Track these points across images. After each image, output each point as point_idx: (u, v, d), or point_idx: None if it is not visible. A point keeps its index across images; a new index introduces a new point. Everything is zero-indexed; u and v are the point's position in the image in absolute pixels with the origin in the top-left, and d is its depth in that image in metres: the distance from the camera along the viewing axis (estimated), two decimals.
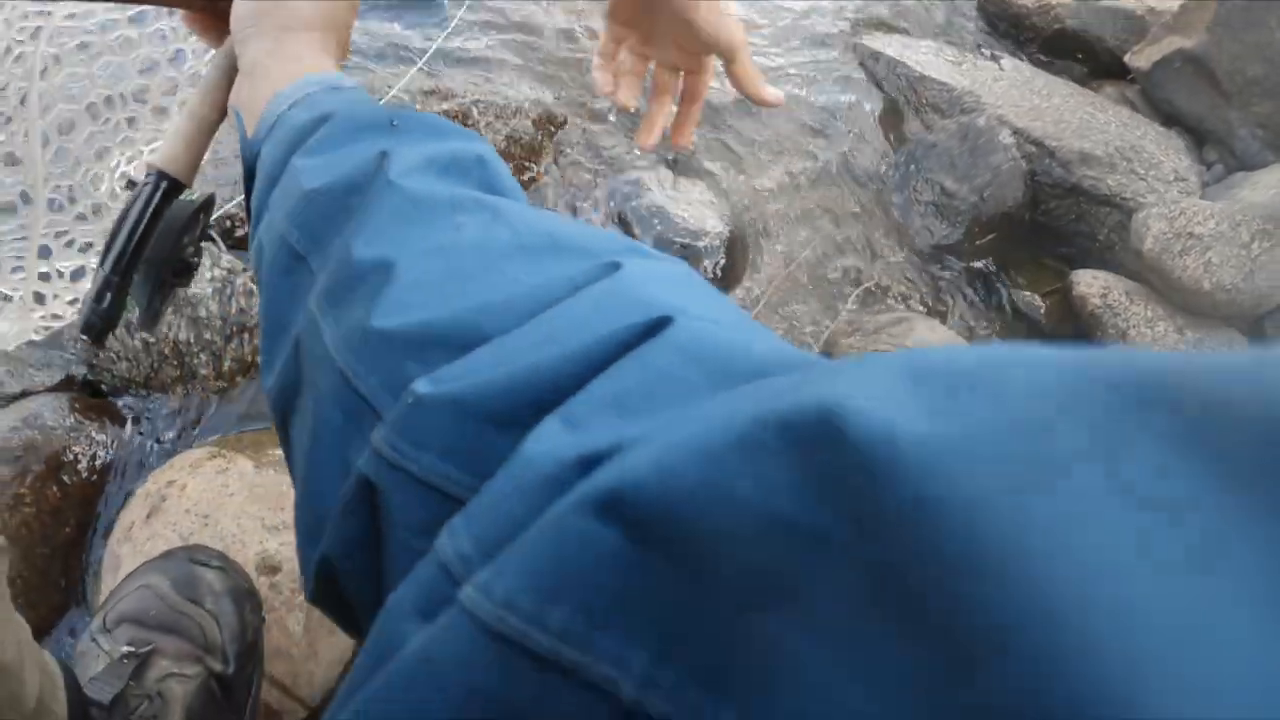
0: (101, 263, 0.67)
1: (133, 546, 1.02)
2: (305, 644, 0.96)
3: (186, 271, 0.73)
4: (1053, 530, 0.15)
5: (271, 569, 0.98)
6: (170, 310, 1.28)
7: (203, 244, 0.76)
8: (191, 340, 1.25)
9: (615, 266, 0.38)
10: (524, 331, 0.35)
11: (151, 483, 1.09)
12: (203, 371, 1.26)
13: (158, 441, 1.20)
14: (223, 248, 1.45)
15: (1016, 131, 1.95)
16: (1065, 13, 2.69)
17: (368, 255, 0.42)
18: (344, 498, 0.37)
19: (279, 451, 1.13)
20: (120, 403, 1.25)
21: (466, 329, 0.37)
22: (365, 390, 0.38)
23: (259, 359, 0.51)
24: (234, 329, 1.27)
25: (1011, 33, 2.68)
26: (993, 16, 2.70)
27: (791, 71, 2.11)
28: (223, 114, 0.71)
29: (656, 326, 0.32)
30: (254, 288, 1.35)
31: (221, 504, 1.02)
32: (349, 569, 0.38)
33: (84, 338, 0.68)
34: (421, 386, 0.34)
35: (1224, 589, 0.14)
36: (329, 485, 0.39)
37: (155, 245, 0.68)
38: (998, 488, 0.16)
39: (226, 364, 1.27)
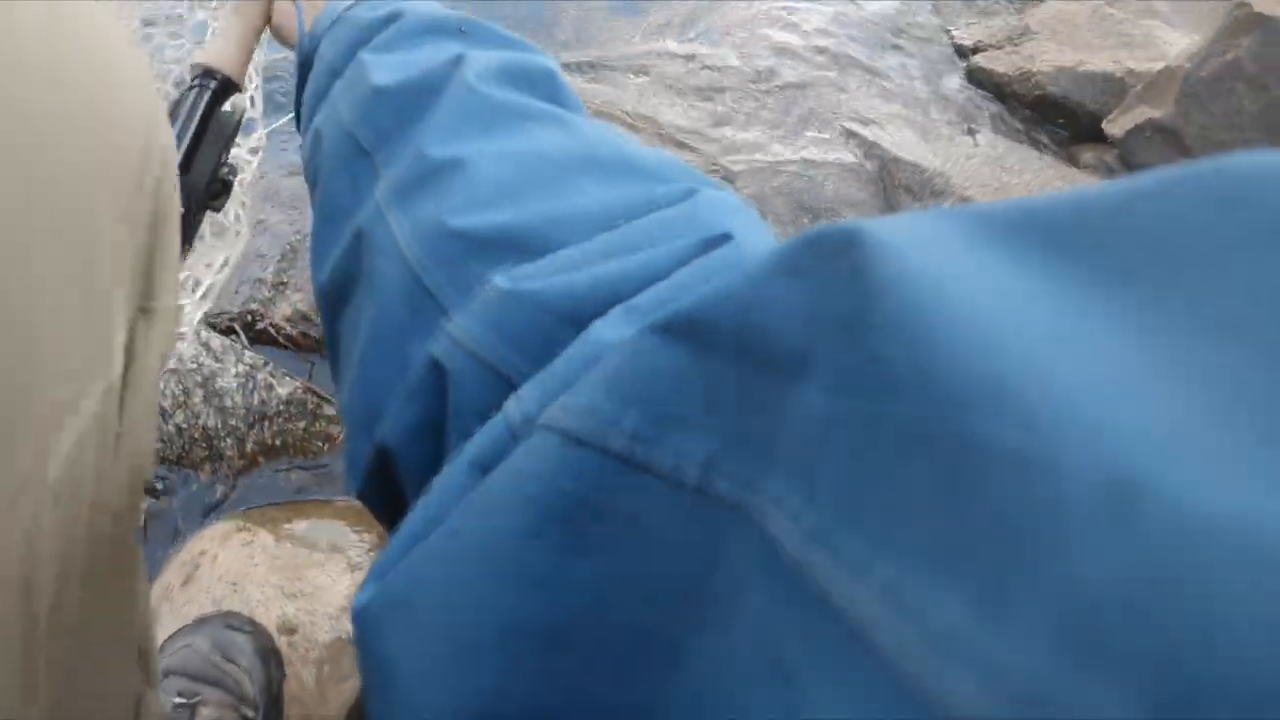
0: None
1: (171, 607, 1.25)
2: (316, 692, 1.19)
3: (224, 191, 0.69)
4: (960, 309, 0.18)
5: (290, 630, 1.21)
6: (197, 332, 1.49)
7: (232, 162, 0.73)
8: (219, 426, 1.48)
9: (690, 193, 0.40)
10: (605, 240, 0.37)
11: (186, 551, 1.32)
12: (228, 453, 1.48)
13: (189, 513, 1.44)
14: (245, 343, 1.68)
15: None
16: (1045, 79, 2.86)
17: (441, 154, 0.43)
18: (409, 383, 0.38)
19: (295, 526, 1.35)
20: (156, 477, 1.48)
21: (539, 235, 0.39)
22: (432, 284, 0.40)
23: (309, 251, 0.52)
24: (256, 417, 1.50)
25: (996, 100, 2.85)
26: (979, 85, 2.88)
27: (786, 156, 2.31)
28: (266, 17, 0.69)
29: (718, 242, 0.35)
30: (273, 381, 1.55)
31: (247, 573, 1.25)
32: (409, 455, 0.39)
33: None
34: (503, 281, 0.36)
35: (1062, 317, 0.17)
36: (386, 374, 0.41)
37: (204, 154, 0.65)
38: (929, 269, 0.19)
39: (249, 447, 1.49)
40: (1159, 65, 2.91)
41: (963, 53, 3.01)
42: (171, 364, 1.50)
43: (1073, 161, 2.74)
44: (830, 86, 2.60)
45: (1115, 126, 2.62)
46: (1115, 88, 2.88)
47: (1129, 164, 2.64)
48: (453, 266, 0.39)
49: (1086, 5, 3.29)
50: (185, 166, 0.62)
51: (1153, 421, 0.15)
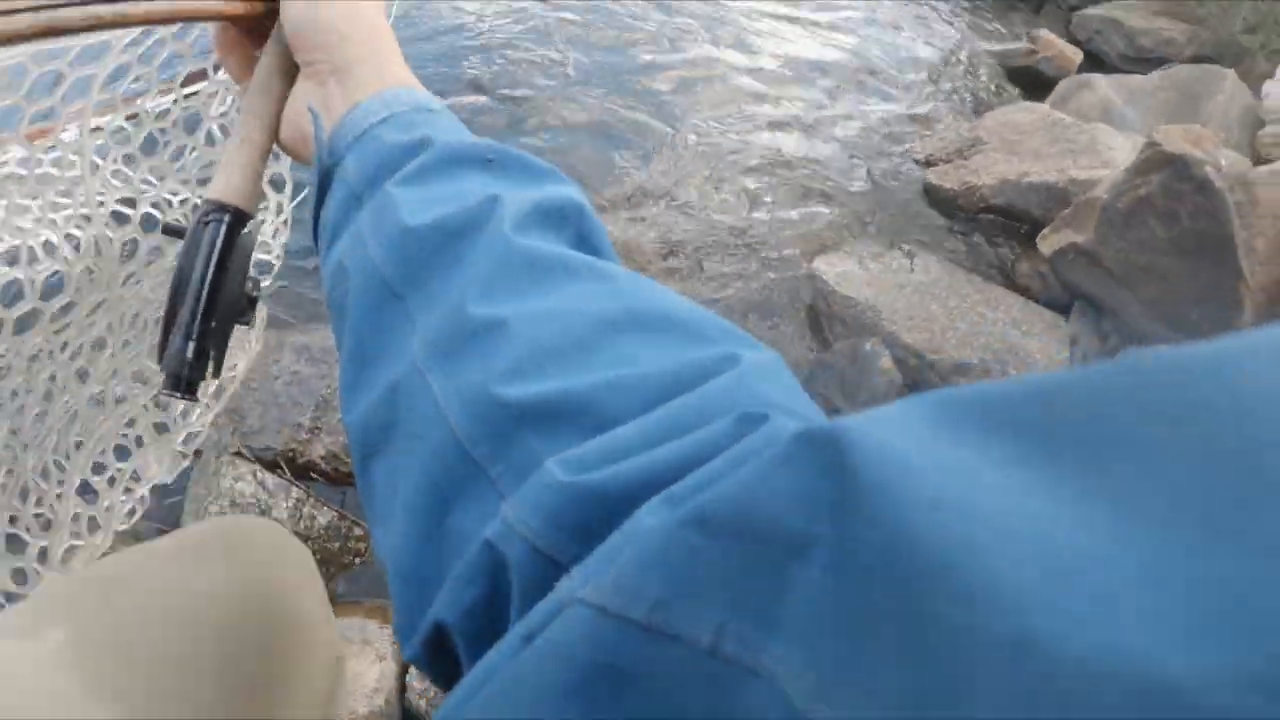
0: (173, 309, 0.63)
1: None
2: None
3: (251, 307, 0.70)
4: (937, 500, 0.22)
5: None
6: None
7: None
8: None
9: (735, 360, 0.41)
10: (658, 420, 0.38)
11: None
12: None
13: None
14: (290, 477, 2.00)
15: (904, 347, 2.44)
16: (990, 193, 3.15)
17: (482, 312, 0.44)
18: (466, 566, 0.39)
19: None
20: None
21: (589, 407, 0.39)
22: (480, 457, 0.40)
23: (340, 387, 0.51)
24: (302, 539, 1.62)
25: (945, 215, 3.13)
26: (929, 200, 3.16)
27: (734, 285, 2.62)
28: (273, 137, 0.70)
29: (757, 422, 0.36)
30: (315, 512, 1.85)
31: None
32: (466, 630, 0.40)
33: (174, 394, 0.63)
34: (561, 472, 0.37)
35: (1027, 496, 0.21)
36: (435, 550, 0.42)
37: (230, 285, 0.66)
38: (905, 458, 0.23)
39: None
40: (1101, 173, 3.20)
41: (918, 165, 3.29)
42: (234, 499, 1.85)
43: (1011, 275, 3.04)
44: (784, 212, 2.90)
45: (1046, 245, 2.90)
46: (1058, 196, 3.16)
47: (1059, 279, 2.92)
48: (501, 439, 0.40)
49: (1036, 112, 3.57)
50: (211, 303, 0.63)
51: (1074, 588, 0.18)
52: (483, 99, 3.08)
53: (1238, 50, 5.50)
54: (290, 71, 0.70)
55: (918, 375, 2.44)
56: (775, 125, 3.29)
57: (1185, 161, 2.64)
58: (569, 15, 3.63)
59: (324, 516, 1.90)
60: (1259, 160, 4.12)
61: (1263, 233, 2.75)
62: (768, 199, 2.93)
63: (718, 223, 2.80)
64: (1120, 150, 3.38)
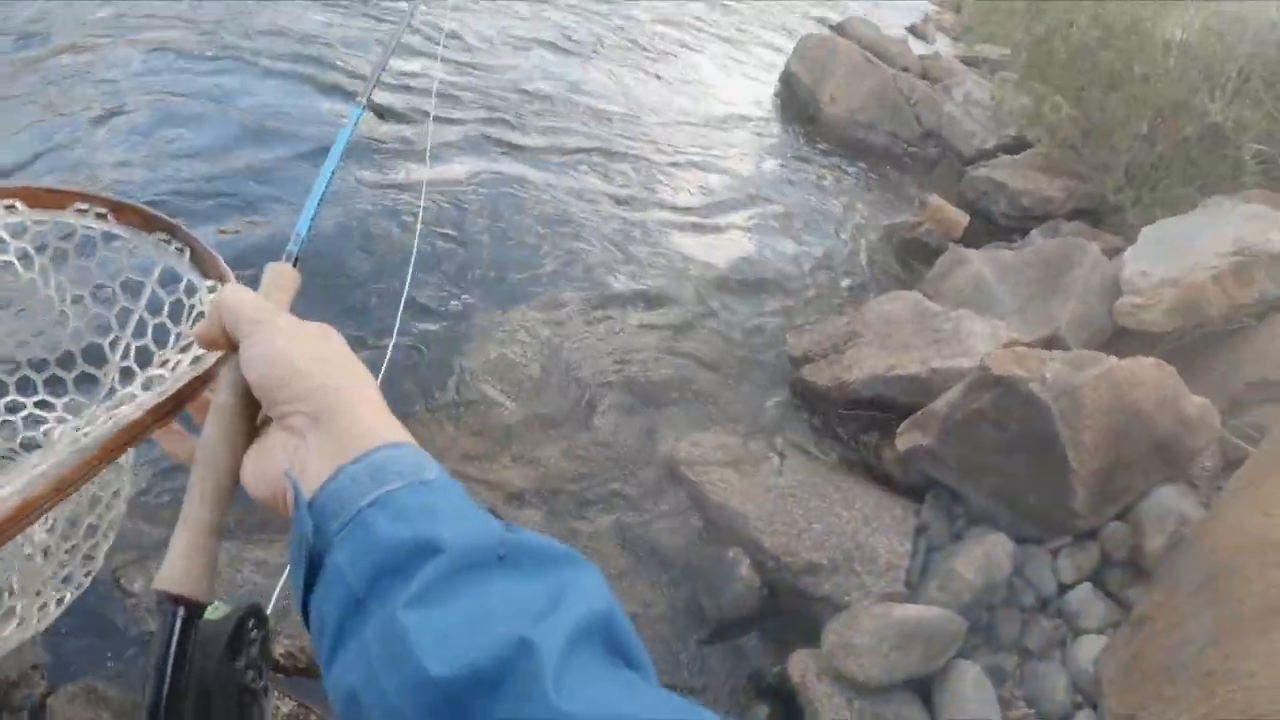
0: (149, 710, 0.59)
1: None
2: None
3: (254, 702, 0.66)
4: None
5: None
6: None
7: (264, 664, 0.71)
8: None
9: None
10: None
11: None
12: None
13: None
14: None
15: (764, 551, 2.85)
16: (859, 386, 3.59)
17: None
18: None
19: None
20: None
21: None
22: None
23: None
24: None
25: (818, 411, 3.57)
26: (804, 397, 3.60)
27: (616, 500, 3.02)
28: (223, 510, 0.65)
29: None
30: (279, 703, 2.15)
31: None
32: None
33: None
34: None
35: None
36: None
37: (199, 680, 0.61)
38: None
39: None
40: (962, 361, 3.66)
41: (794, 363, 3.73)
42: None
43: (877, 461, 3.49)
44: (666, 418, 3.31)
45: (900, 442, 3.34)
46: (922, 387, 3.62)
47: (917, 470, 3.37)
48: None
49: (909, 301, 4.04)
50: (173, 705, 0.59)
51: None
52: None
53: (1111, 205, 6.07)
54: (249, 418, 0.67)
55: (775, 577, 2.85)
56: (652, 327, 3.69)
57: (1012, 382, 3.11)
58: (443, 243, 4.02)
59: (286, 706, 2.22)
60: (1117, 328, 4.64)
61: (1090, 428, 3.20)
62: (647, 405, 3.33)
63: (596, 432, 3.19)
64: (980, 337, 3.85)
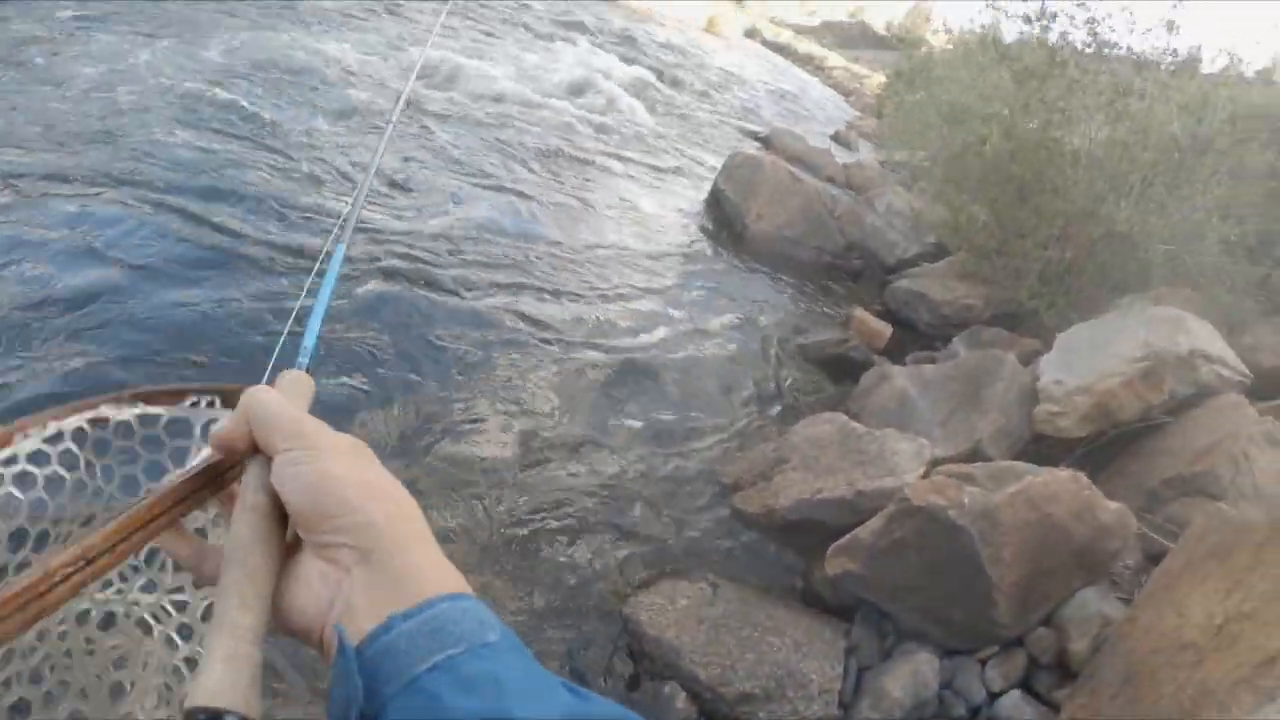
0: None
1: None
2: None
3: None
4: None
5: None
6: None
7: None
8: None
9: None
10: None
11: None
12: None
13: None
14: None
15: (699, 683, 2.94)
16: (788, 512, 3.72)
17: None
18: None
19: None
20: None
21: None
22: None
23: None
24: None
25: (749, 534, 3.69)
26: (735, 524, 3.73)
27: (552, 629, 3.10)
28: (265, 616, 0.58)
29: None
30: None
31: None
32: None
33: None
34: None
35: None
36: None
37: None
38: None
39: None
40: (887, 481, 3.81)
41: (725, 492, 3.86)
42: None
43: (808, 583, 3.61)
44: (600, 553, 3.41)
45: (829, 566, 3.46)
46: (848, 508, 3.75)
47: (847, 591, 3.49)
48: None
49: (835, 424, 4.20)
50: None
51: None
52: None
53: (1028, 310, 6.38)
54: (280, 521, 0.62)
55: (711, 708, 2.93)
56: (586, 463, 3.78)
57: (931, 511, 3.26)
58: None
59: None
60: (1036, 435, 4.85)
61: (1009, 544, 3.34)
62: (582, 542, 3.42)
63: (529, 570, 3.27)
64: (904, 456, 4.00)
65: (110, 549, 0.58)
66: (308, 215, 4.67)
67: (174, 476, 0.66)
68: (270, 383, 0.75)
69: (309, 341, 0.90)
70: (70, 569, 0.56)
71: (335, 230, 1.15)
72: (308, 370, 0.82)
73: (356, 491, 0.58)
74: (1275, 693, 2.36)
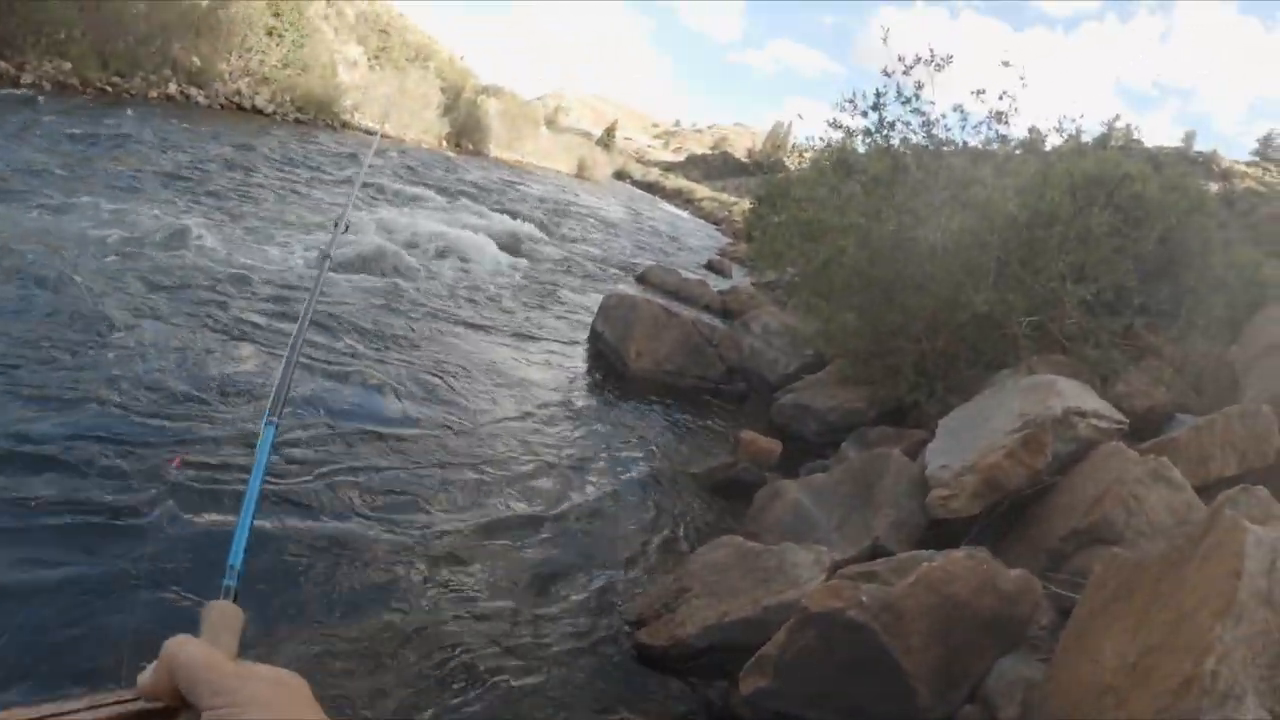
0: None
1: None
2: None
3: None
4: None
5: None
6: None
7: None
8: None
9: None
10: None
11: None
12: None
13: None
14: None
15: None
16: (696, 640, 3.67)
17: None
18: None
19: None
20: None
21: None
22: None
23: None
24: None
25: (658, 670, 3.64)
26: (644, 661, 3.68)
27: None
28: None
29: None
30: None
31: None
32: None
33: None
34: None
35: None
36: None
37: None
38: None
39: None
40: (791, 593, 3.82)
41: (630, 628, 3.83)
42: None
43: (726, 707, 3.55)
44: (507, 713, 3.33)
45: (744, 686, 3.43)
46: (756, 625, 3.73)
47: (765, 709, 3.45)
48: None
49: (732, 546, 4.23)
50: None
51: None
52: None
53: (908, 404, 6.58)
54: None
55: None
56: (486, 624, 3.69)
57: (830, 615, 3.28)
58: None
59: None
60: (931, 521, 4.93)
61: (915, 631, 3.36)
62: (489, 704, 3.35)
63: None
64: (804, 566, 4.03)
65: None
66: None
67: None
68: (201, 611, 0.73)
69: (234, 560, 0.84)
70: None
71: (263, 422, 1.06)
72: (235, 594, 0.79)
73: None
74: (1198, 712, 2.38)
